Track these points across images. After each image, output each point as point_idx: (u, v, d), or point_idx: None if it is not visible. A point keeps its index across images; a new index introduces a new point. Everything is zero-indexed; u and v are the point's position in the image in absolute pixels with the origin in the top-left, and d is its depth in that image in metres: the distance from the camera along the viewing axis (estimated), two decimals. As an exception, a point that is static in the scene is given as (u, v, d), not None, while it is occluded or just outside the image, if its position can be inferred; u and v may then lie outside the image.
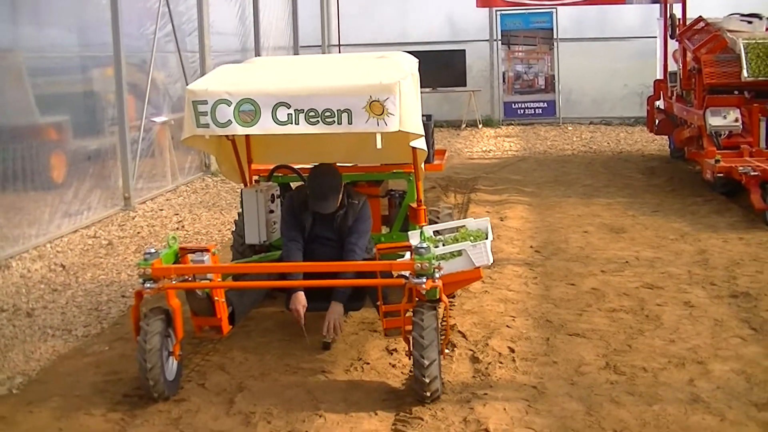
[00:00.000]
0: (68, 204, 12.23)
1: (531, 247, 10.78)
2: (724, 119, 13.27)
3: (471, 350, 7.29)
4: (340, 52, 23.64)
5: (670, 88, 16.54)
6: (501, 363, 7.04)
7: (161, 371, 6.28)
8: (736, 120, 13.27)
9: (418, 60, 8.05)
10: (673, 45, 16.71)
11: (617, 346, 7.31)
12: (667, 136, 17.34)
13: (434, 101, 23.47)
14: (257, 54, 19.99)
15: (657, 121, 17.10)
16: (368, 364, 7.04)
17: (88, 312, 8.72)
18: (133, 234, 12.20)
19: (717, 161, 12.49)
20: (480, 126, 23.63)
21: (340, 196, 7.43)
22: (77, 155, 12.74)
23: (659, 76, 17.86)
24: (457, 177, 15.74)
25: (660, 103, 17.20)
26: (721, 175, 12.52)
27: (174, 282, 6.60)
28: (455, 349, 7.29)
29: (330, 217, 7.48)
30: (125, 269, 10.30)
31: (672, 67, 16.64)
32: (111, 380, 6.87)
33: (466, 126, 23.63)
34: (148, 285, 6.41)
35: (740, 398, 6.23)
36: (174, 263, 6.76)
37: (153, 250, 6.54)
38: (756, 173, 11.81)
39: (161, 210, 13.79)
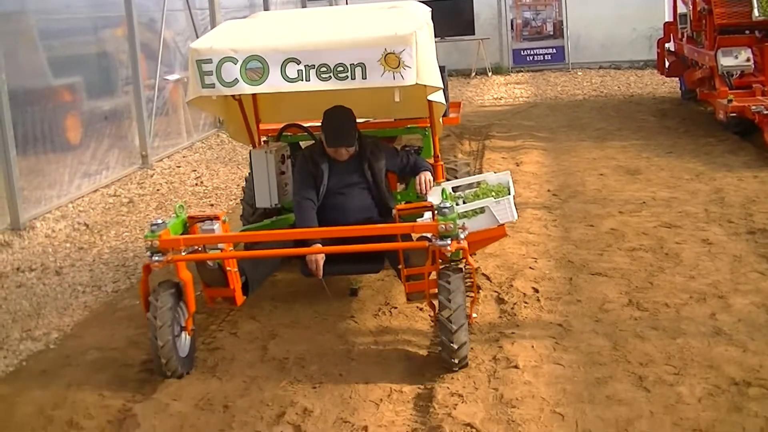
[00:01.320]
0: (87, 164, 12.39)
1: (548, 190, 10.92)
2: (736, 59, 13.33)
3: (496, 292, 7.46)
4: (347, 4, 23.65)
5: (680, 30, 16.57)
6: (526, 303, 7.21)
7: (173, 348, 6.07)
8: (748, 59, 13.33)
9: (430, 9, 7.78)
10: (681, -14, 16.75)
11: (639, 284, 7.47)
12: (678, 78, 17.39)
13: (443, 50, 23.40)
14: (266, 9, 20.01)
15: (668, 64, 17.13)
16: (396, 308, 7.21)
17: (116, 268, 8.90)
18: (152, 191, 12.37)
19: (730, 101, 12.57)
20: (490, 74, 23.66)
21: (356, 133, 7.22)
22: (92, 116, 12.88)
23: (667, 18, 17.89)
24: (471, 125, 15.83)
25: (670, 46, 17.24)
26: (734, 114, 12.60)
27: (183, 253, 6.31)
28: (480, 290, 7.46)
29: (354, 163, 7.23)
30: (148, 226, 10.44)
31: (681, 8, 16.67)
32: (144, 332, 6.98)
33: (476, 74, 23.68)
34: (156, 258, 6.15)
35: (761, 330, 6.39)
36: (183, 233, 6.49)
37: (160, 221, 6.27)
38: (768, 112, 11.91)
39: (179, 167, 13.95)
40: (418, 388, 5.86)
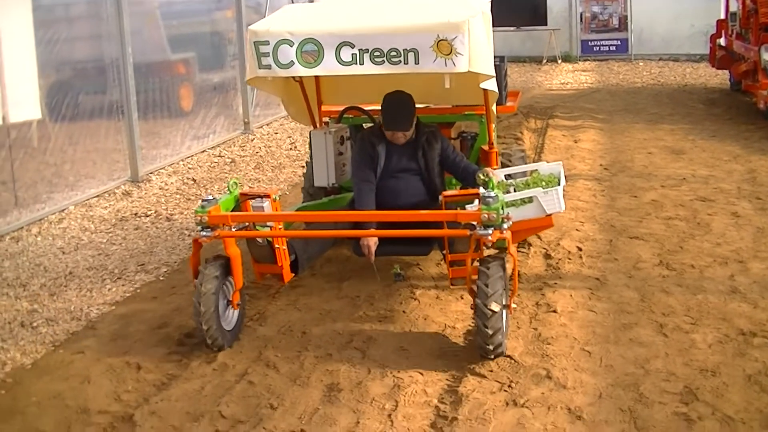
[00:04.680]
0: (196, 129, 12.88)
1: (600, 165, 11.09)
2: (777, 54, 13.36)
3: (545, 248, 7.72)
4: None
5: (730, 27, 16.47)
6: (570, 259, 7.48)
7: (215, 317, 5.75)
8: (788, 55, 13.34)
9: None
10: (735, -13, 16.65)
11: (670, 248, 7.68)
12: (727, 70, 17.33)
13: (518, 39, 23.68)
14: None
15: (718, 57, 17.10)
16: (455, 260, 7.50)
17: (218, 217, 9.30)
18: (252, 153, 12.79)
19: (769, 92, 12.65)
20: (559, 61, 23.62)
21: (414, 119, 6.76)
22: (203, 87, 13.35)
23: (722, 16, 17.79)
24: (538, 105, 15.95)
25: (721, 41, 17.13)
26: (773, 104, 12.67)
27: (233, 230, 5.94)
28: (531, 247, 7.73)
29: (409, 148, 6.80)
30: (247, 183, 10.90)
31: (733, 7, 16.59)
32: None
33: (547, 61, 23.65)
34: (204, 233, 5.81)
35: (773, 290, 6.60)
36: (234, 209, 6.14)
37: (211, 197, 5.89)
38: (804, 103, 11.96)
39: (276, 133, 14.34)
40: (469, 325, 6.16)
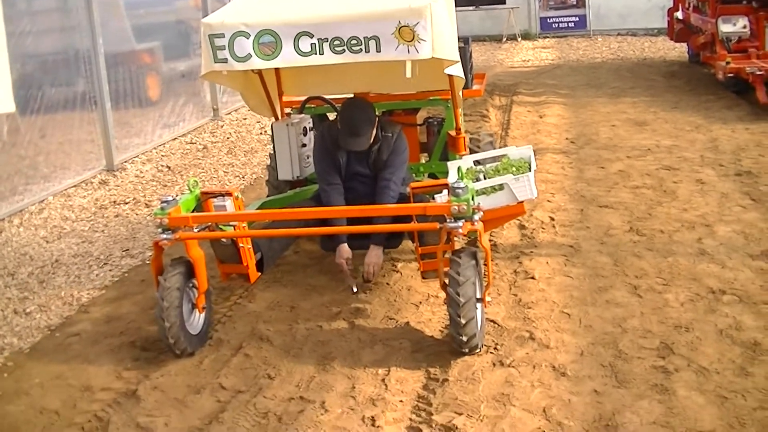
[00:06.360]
0: (166, 117, 13.07)
1: (566, 138, 11.38)
2: (734, 26, 13.62)
3: (518, 220, 7.93)
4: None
5: (687, 0, 16.84)
6: (543, 229, 7.76)
7: (181, 328, 5.59)
8: (745, 26, 13.59)
9: None
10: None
11: (639, 215, 7.97)
12: (685, 43, 17.66)
13: (477, 18, 23.98)
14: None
15: (676, 30, 17.42)
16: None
17: (196, 202, 9.50)
18: (223, 139, 12.98)
19: (727, 63, 12.87)
20: (519, 39, 23.94)
21: (374, 131, 6.51)
22: (170, 76, 13.50)
23: (678, -11, 18.13)
24: (501, 83, 16.23)
25: (679, 14, 17.44)
26: (731, 75, 12.88)
27: (194, 231, 5.81)
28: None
29: (364, 153, 6.58)
30: (221, 167, 11.12)
31: (689, -20, 16.92)
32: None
33: (507, 39, 23.96)
34: (165, 236, 5.64)
35: (738, 251, 6.90)
36: (195, 209, 5.96)
37: (171, 198, 5.71)
38: (761, 72, 12.23)
39: (245, 119, 14.51)
40: (451, 294, 6.42)
